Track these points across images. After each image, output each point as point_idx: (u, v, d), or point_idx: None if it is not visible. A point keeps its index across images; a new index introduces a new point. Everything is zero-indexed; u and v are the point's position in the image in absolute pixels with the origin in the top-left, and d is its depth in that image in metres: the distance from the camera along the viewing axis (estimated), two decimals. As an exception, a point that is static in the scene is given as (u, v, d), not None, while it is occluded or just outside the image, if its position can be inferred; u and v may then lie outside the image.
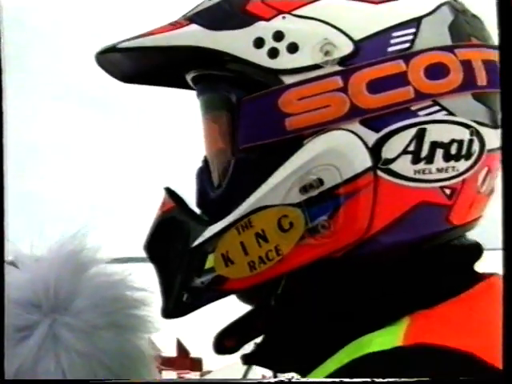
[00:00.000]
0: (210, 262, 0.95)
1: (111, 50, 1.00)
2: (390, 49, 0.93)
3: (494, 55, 0.95)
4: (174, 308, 0.99)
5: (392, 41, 0.93)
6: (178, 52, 0.99)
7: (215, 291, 0.96)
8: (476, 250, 0.99)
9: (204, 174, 1.05)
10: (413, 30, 0.94)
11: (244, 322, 1.04)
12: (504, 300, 0.72)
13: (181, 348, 6.13)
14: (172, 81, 1.11)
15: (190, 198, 1.05)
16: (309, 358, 0.93)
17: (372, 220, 0.92)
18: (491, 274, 0.96)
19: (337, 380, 0.82)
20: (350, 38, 0.93)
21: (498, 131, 0.95)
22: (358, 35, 0.93)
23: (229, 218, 0.94)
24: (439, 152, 0.92)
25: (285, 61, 0.93)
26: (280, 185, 0.92)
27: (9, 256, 1.10)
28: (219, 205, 0.97)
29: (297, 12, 0.95)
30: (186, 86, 1.08)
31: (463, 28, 0.96)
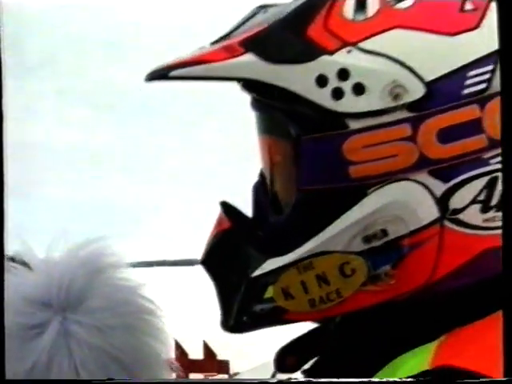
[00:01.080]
0: (269, 292, 0.94)
1: (162, 77, 0.95)
2: (465, 91, 0.88)
3: None
4: (235, 326, 0.99)
5: (467, 82, 0.88)
6: (233, 80, 0.95)
7: (273, 319, 0.97)
8: None
9: (260, 190, 1.03)
10: (490, 68, 0.88)
11: (304, 342, 1.04)
12: (504, 301, 0.73)
13: (208, 350, 6.13)
14: None
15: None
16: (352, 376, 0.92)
17: (436, 267, 0.91)
18: None
19: (336, 380, 0.83)
20: (421, 80, 0.87)
21: None
22: (429, 75, 0.88)
23: (289, 257, 0.92)
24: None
25: (350, 103, 0.88)
26: (342, 232, 0.90)
27: (24, 257, 1.15)
28: (279, 234, 0.96)
29: (363, 45, 0.89)
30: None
31: None
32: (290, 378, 0.99)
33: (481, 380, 0.81)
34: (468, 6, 0.91)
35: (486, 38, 0.88)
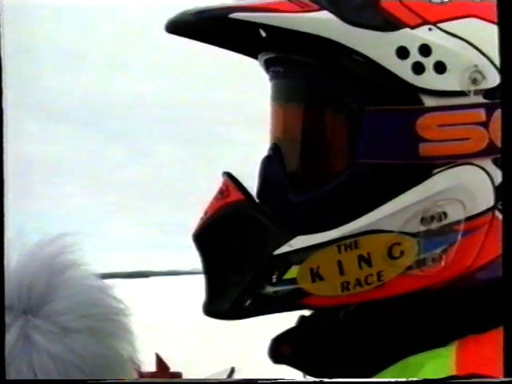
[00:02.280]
0: (292, 273, 0.90)
1: (219, 17, 0.90)
2: None
3: None
4: (230, 310, 0.93)
5: None
6: (301, 36, 0.89)
7: (289, 303, 0.92)
8: None
9: (275, 164, 0.95)
10: None
11: (302, 331, 0.98)
12: (504, 302, 0.74)
13: (160, 363, 6.10)
14: (242, 50, 1.00)
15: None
16: (357, 369, 0.91)
17: (476, 257, 0.91)
18: None
19: (337, 380, 0.84)
20: (498, 69, 0.88)
21: None
22: None
23: (330, 234, 0.89)
24: None
25: (429, 80, 0.87)
26: (401, 211, 0.88)
27: None
28: (309, 212, 0.91)
29: (443, 26, 0.89)
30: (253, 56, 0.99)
31: None
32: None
33: (481, 380, 0.82)
34: None
35: None
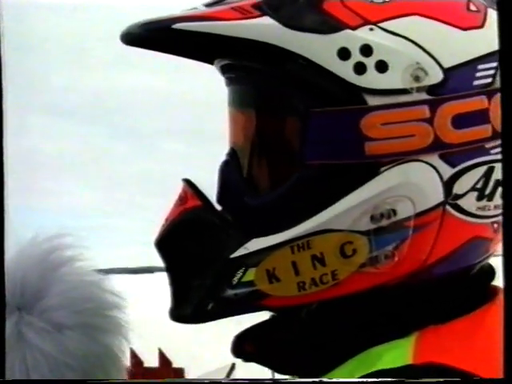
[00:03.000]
0: (249, 275, 0.91)
1: (163, 29, 0.92)
2: (475, 82, 0.91)
3: None
4: (193, 314, 0.94)
5: (477, 74, 0.91)
6: (241, 42, 0.90)
7: (249, 305, 0.93)
8: (490, 270, 0.98)
9: (232, 169, 0.98)
10: (494, 64, 0.91)
11: (265, 328, 0.99)
12: (504, 303, 0.73)
13: (163, 358, 6.11)
14: (198, 57, 1.01)
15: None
16: (320, 364, 0.93)
17: (431, 252, 0.91)
18: None
19: (334, 380, 0.84)
20: (440, 66, 0.89)
21: None
22: (447, 63, 0.90)
23: (283, 235, 0.90)
24: (499, 190, 0.92)
25: (372, 79, 0.88)
26: (350, 210, 0.89)
27: None
28: (264, 214, 0.92)
29: (384, 25, 0.90)
30: (209, 62, 1.00)
31: None
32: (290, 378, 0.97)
33: (481, 379, 0.83)
34: (472, 7, 0.95)
35: (489, 38, 0.90)
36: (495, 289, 0.97)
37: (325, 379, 0.88)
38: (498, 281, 0.96)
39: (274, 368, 0.99)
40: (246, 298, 0.91)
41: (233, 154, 0.98)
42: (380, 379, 0.83)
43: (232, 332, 1.00)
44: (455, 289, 0.94)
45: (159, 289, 1.08)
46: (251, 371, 1.09)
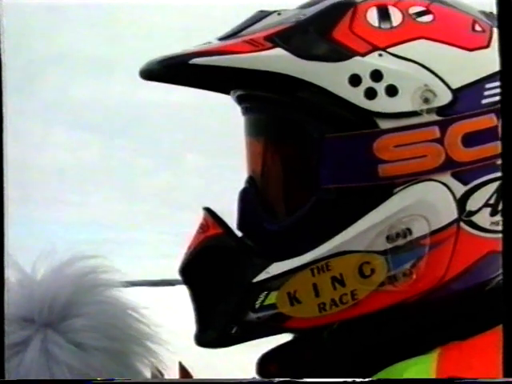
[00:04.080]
0: (271, 298, 0.93)
1: (181, 64, 0.95)
2: (484, 101, 0.93)
3: None
4: (218, 338, 0.97)
5: (485, 92, 0.93)
6: (254, 74, 0.93)
7: (272, 327, 0.95)
8: None
9: (251, 196, 1.01)
10: None
11: (288, 349, 1.01)
12: (504, 303, 0.75)
13: (183, 371, 6.10)
14: (215, 89, 1.05)
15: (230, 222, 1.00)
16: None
17: (448, 269, 0.93)
18: None
19: (335, 380, 0.85)
20: (449, 87, 0.92)
21: None
22: (455, 84, 0.92)
23: (303, 259, 0.92)
24: None
25: (382, 103, 0.91)
26: (367, 231, 0.91)
27: (9, 272, 1.07)
28: (283, 239, 0.95)
29: (393, 50, 0.92)
30: (226, 93, 1.04)
31: None
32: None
33: (481, 380, 0.83)
34: (477, 28, 0.97)
35: (495, 57, 0.90)
36: None
37: (326, 380, 0.89)
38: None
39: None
40: (268, 320, 0.93)
41: (251, 181, 1.02)
42: (380, 379, 0.86)
43: (250, 345, 1.01)
44: (474, 304, 0.96)
45: (180, 301, 1.08)
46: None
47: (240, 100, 1.01)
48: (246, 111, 1.02)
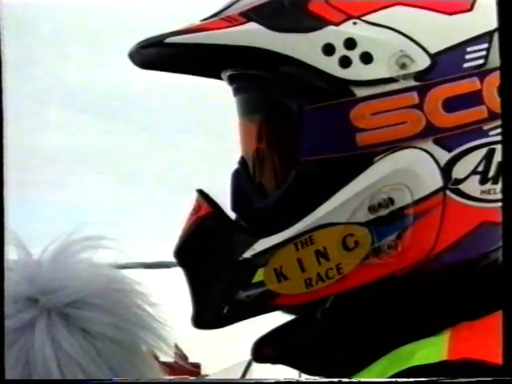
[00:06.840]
0: (259, 275, 0.92)
1: (157, 44, 0.94)
2: (465, 65, 0.91)
3: None
4: (212, 319, 0.96)
5: (467, 56, 0.91)
6: (232, 50, 0.92)
7: (262, 305, 0.93)
8: None
9: (242, 177, 1.00)
10: (486, 46, 0.91)
11: (283, 332, 1.00)
12: (504, 300, 0.72)
13: (179, 354, 6.12)
14: (205, 73, 1.04)
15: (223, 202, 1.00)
16: (349, 364, 0.92)
17: (437, 240, 0.91)
18: None
19: (335, 380, 0.83)
20: (426, 52, 0.90)
21: None
22: (433, 48, 0.90)
23: (286, 233, 0.91)
24: None
25: (357, 71, 0.89)
26: (348, 202, 0.89)
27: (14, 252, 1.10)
28: (269, 215, 0.94)
29: (368, 18, 0.91)
30: (217, 77, 1.03)
31: None
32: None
33: (481, 379, 0.80)
34: None
35: (479, 20, 0.92)
36: None
37: (326, 379, 0.88)
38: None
39: (300, 369, 0.99)
40: (257, 298, 0.92)
41: (242, 162, 1.01)
42: (383, 379, 0.83)
43: (246, 328, 1.01)
44: (473, 280, 0.93)
45: (176, 284, 1.08)
46: (267, 368, 1.09)
47: (229, 81, 1.01)
48: (235, 91, 1.01)
